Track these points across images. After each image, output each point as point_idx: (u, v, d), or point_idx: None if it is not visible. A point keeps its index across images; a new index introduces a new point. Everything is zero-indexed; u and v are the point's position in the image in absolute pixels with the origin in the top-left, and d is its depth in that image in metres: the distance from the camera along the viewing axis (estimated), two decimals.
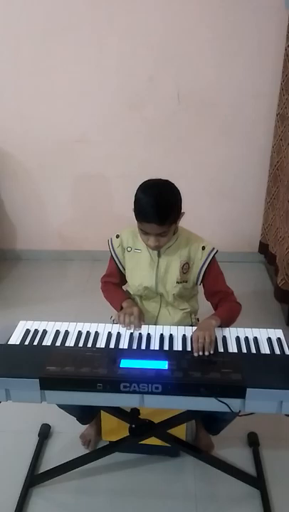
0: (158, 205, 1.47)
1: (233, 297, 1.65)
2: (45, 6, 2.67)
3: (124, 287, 1.80)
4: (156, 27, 2.69)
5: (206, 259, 1.61)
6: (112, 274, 1.77)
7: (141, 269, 1.66)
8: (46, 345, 1.42)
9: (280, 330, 1.49)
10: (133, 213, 1.53)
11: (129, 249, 1.67)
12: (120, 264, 1.71)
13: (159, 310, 1.71)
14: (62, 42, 2.75)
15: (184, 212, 1.56)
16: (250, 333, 1.48)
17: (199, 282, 1.67)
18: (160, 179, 1.55)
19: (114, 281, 1.77)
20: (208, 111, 2.89)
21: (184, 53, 2.74)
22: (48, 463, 1.78)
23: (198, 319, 1.75)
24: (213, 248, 1.63)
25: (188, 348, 1.40)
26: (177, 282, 1.62)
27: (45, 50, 2.77)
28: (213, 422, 1.72)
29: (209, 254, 1.62)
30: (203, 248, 1.62)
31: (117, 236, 1.69)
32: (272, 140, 2.86)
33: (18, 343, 1.44)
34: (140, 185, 1.54)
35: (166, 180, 1.55)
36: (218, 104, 2.87)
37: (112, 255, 1.72)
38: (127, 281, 1.74)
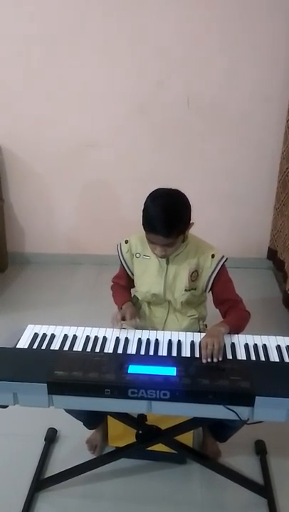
0: (165, 217, 1.46)
1: (242, 305, 1.64)
2: (55, 11, 2.69)
3: (132, 290, 1.79)
4: (166, 32, 2.70)
5: (216, 267, 1.61)
6: (121, 276, 1.77)
7: (149, 276, 1.65)
8: (54, 350, 1.42)
9: None
10: (142, 219, 1.53)
11: (138, 255, 1.67)
12: (129, 269, 1.72)
13: (166, 316, 1.71)
14: (72, 47, 2.77)
15: (193, 223, 1.55)
16: (259, 340, 1.47)
17: (208, 290, 1.66)
18: (170, 189, 1.54)
19: (122, 284, 1.77)
20: (217, 116, 2.89)
21: (193, 58, 2.75)
22: (54, 467, 1.78)
23: (206, 325, 1.75)
24: (223, 256, 1.62)
25: (197, 355, 1.39)
26: (185, 290, 1.62)
27: (56, 55, 2.80)
28: (220, 430, 1.71)
29: (218, 263, 1.61)
30: (213, 256, 1.61)
31: (126, 241, 1.69)
32: (281, 146, 2.86)
33: (26, 346, 1.44)
34: (150, 194, 1.53)
35: (176, 191, 1.53)
36: (228, 110, 2.87)
37: (120, 260, 1.72)
38: (135, 285, 1.74)
